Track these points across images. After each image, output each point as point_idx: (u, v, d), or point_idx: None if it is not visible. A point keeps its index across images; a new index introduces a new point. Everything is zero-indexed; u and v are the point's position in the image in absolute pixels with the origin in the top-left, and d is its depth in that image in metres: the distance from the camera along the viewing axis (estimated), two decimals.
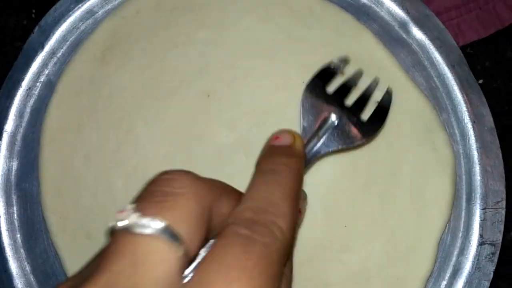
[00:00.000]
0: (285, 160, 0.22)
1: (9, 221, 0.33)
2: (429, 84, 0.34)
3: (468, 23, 0.39)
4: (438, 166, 0.32)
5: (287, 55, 0.33)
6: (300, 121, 0.28)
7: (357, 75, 0.31)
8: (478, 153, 0.33)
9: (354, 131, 0.28)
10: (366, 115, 0.29)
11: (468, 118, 0.33)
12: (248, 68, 0.33)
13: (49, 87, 0.34)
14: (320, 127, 0.28)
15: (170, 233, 0.16)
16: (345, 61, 0.31)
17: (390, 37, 0.34)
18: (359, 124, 0.29)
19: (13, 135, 0.34)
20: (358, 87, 0.31)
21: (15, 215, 0.33)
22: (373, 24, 0.35)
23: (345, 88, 0.30)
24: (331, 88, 0.30)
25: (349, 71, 0.31)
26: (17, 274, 0.33)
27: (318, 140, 0.28)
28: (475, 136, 0.33)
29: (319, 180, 0.32)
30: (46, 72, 0.35)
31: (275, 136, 0.24)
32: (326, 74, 0.30)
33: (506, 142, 0.34)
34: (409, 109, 0.32)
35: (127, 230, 0.16)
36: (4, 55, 0.38)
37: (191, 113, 0.33)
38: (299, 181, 0.21)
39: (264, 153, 0.23)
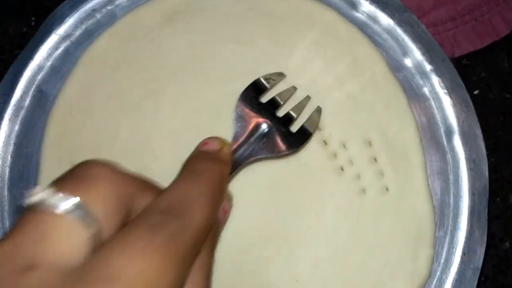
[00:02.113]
0: (209, 164, 0.23)
1: None
2: (443, 197, 0.33)
3: (464, 34, 0.39)
4: (408, 275, 0.31)
5: None
6: (233, 126, 0.29)
7: (290, 91, 0.32)
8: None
9: (282, 141, 0.30)
10: (295, 127, 0.31)
11: (461, 249, 0.32)
12: None
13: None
14: (251, 134, 0.29)
15: (82, 212, 0.16)
16: (280, 75, 0.33)
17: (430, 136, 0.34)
18: (287, 135, 0.30)
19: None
20: (290, 102, 0.32)
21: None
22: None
23: (277, 102, 0.31)
24: (265, 98, 0.31)
25: (282, 87, 0.32)
26: None
27: (249, 147, 0.29)
28: (459, 266, 0.32)
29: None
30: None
31: (204, 142, 0.25)
32: (260, 86, 0.31)
33: (500, 153, 0.34)
34: (413, 207, 0.32)
35: (36, 206, 0.16)
36: (3, 62, 0.38)
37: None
38: (221, 182, 0.22)
39: (192, 156, 0.24)
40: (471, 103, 0.34)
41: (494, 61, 0.39)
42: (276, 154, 0.30)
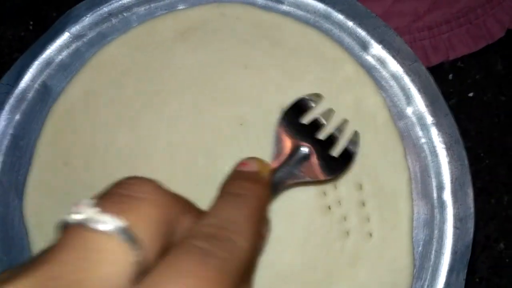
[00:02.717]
0: (250, 185, 0.21)
1: None
2: (425, 251, 0.33)
3: (459, 37, 0.39)
4: None
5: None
6: (272, 147, 0.28)
7: (329, 113, 0.32)
8: None
9: (324, 166, 0.28)
10: (336, 152, 0.30)
11: None
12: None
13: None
14: (290, 157, 0.28)
15: (128, 236, 0.15)
16: (319, 97, 0.32)
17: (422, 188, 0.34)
18: (328, 160, 0.29)
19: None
20: (329, 124, 0.31)
21: None
22: None
23: (317, 123, 0.30)
24: (306, 119, 0.30)
25: (321, 108, 0.32)
26: None
27: (288, 170, 0.28)
28: None
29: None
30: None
31: (243, 162, 0.24)
32: (300, 106, 0.30)
33: (495, 155, 0.34)
34: (393, 258, 0.32)
35: (81, 224, 0.15)
36: (2, 66, 0.39)
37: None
38: (262, 206, 0.21)
39: (230, 177, 0.23)
40: (466, 161, 0.34)
41: (489, 64, 0.40)
42: (317, 179, 0.28)
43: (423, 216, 0.33)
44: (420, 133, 0.34)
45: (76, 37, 0.35)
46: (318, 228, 0.33)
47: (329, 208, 0.33)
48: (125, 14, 0.35)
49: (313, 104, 0.31)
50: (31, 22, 0.39)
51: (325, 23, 0.35)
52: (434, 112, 0.35)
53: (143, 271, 0.16)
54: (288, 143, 0.28)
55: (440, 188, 0.34)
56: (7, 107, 0.34)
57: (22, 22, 0.40)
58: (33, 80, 0.35)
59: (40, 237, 0.33)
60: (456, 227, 0.33)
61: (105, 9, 0.35)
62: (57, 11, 0.39)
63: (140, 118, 0.34)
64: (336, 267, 0.32)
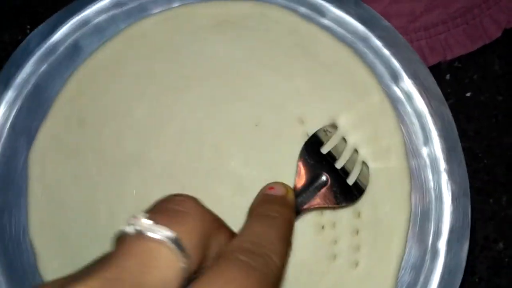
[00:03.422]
0: (278, 208, 0.23)
1: None
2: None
3: (456, 37, 0.39)
4: None
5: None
6: (295, 175, 0.30)
7: (344, 144, 0.33)
8: None
9: (341, 193, 0.31)
10: (351, 180, 0.31)
11: None
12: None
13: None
14: (311, 184, 0.30)
15: (178, 245, 0.17)
16: (333, 128, 0.33)
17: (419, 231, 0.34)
18: (345, 188, 0.31)
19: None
20: (343, 154, 0.32)
21: None
22: None
23: (334, 154, 0.32)
24: (325, 149, 0.32)
25: (336, 138, 0.33)
26: None
27: (308, 196, 0.30)
28: None
29: None
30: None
31: (270, 186, 0.26)
32: (319, 137, 0.32)
33: (493, 155, 0.34)
34: (375, 282, 0.32)
35: (139, 234, 0.17)
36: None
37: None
38: (290, 228, 0.23)
39: (258, 200, 0.25)
40: (469, 215, 0.33)
41: (486, 64, 0.39)
42: (334, 205, 0.30)
43: (413, 259, 0.33)
44: (430, 176, 0.34)
45: (116, 4, 0.35)
46: (307, 244, 0.32)
47: (323, 227, 0.33)
48: None
49: (328, 136, 0.33)
50: (28, 26, 0.40)
51: (361, 46, 0.35)
52: (449, 159, 0.34)
53: (187, 278, 0.18)
54: (309, 171, 0.30)
55: (437, 235, 0.33)
56: (36, 56, 0.35)
57: (19, 25, 0.40)
58: (67, 36, 0.35)
59: (38, 187, 0.33)
60: (443, 278, 0.32)
61: None
62: None
63: (161, 96, 0.34)
64: (315, 287, 0.32)
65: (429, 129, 0.34)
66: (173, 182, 0.33)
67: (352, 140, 0.33)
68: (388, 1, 0.40)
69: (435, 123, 0.34)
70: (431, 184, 0.34)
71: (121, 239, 0.18)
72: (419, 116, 0.35)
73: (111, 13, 0.35)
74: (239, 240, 0.20)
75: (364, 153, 0.33)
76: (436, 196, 0.34)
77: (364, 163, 0.33)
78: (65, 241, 0.33)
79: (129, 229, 0.17)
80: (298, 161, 0.31)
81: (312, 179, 0.30)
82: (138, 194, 0.33)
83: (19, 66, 0.35)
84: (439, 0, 0.40)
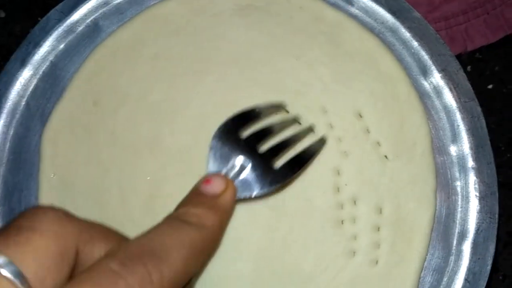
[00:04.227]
0: (202, 213, 0.21)
1: None
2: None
3: (476, 28, 0.38)
4: None
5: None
6: (207, 164, 0.27)
7: (286, 123, 0.30)
8: None
9: (264, 178, 0.27)
10: (278, 163, 0.28)
11: None
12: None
13: None
14: (227, 173, 0.26)
15: (13, 269, 0.16)
16: (277, 108, 0.30)
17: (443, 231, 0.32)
18: (270, 172, 0.27)
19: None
20: (282, 134, 0.29)
21: None
22: None
23: (265, 134, 0.29)
24: (245, 133, 0.28)
25: (278, 117, 0.30)
26: None
27: None
28: None
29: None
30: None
31: (207, 178, 0.23)
32: (247, 117, 0.29)
33: None
34: (395, 282, 0.30)
35: None
36: None
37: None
38: (209, 240, 0.21)
39: (187, 197, 0.22)
40: (496, 218, 0.32)
41: (508, 55, 0.38)
42: (256, 194, 0.27)
43: (436, 259, 0.31)
44: (457, 175, 0.32)
45: None
46: (324, 239, 0.31)
47: (342, 222, 0.31)
48: None
49: (262, 116, 0.29)
50: (39, 18, 0.39)
51: (389, 36, 0.34)
52: (477, 157, 0.32)
53: None
54: (224, 159, 0.27)
55: (462, 236, 0.32)
56: (54, 34, 0.34)
57: (30, 18, 0.40)
58: (87, 15, 0.34)
59: (50, 168, 0.32)
60: (467, 281, 0.31)
61: None
62: None
63: (179, 79, 0.33)
64: (332, 283, 0.30)
65: (458, 125, 0.33)
66: (187, 168, 0.32)
67: (375, 134, 0.32)
68: None
69: (464, 120, 0.33)
70: (458, 182, 0.32)
71: None
72: (447, 112, 0.33)
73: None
74: (122, 247, 0.18)
75: (387, 147, 0.32)
76: (462, 195, 0.32)
77: (321, 138, 0.30)
78: None
79: None
80: (209, 147, 0.27)
81: (229, 168, 0.26)
82: (152, 179, 0.32)
83: (36, 44, 0.34)
84: None
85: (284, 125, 0.30)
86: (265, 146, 0.28)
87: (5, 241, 0.17)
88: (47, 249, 0.17)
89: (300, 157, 0.29)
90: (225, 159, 0.27)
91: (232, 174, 0.26)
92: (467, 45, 0.38)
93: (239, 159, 0.27)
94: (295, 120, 0.31)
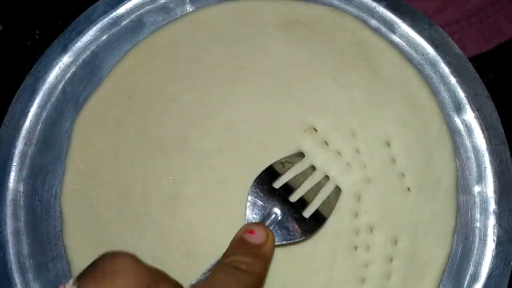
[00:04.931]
0: (250, 261, 0.23)
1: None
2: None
3: (470, 37, 0.38)
4: None
5: None
6: (245, 212, 0.29)
7: (306, 174, 0.31)
8: None
9: (295, 227, 0.29)
10: (308, 213, 0.30)
11: None
12: None
13: None
14: (263, 221, 0.29)
15: None
16: (297, 157, 0.32)
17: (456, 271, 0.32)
18: (301, 221, 0.30)
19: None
20: (307, 183, 0.31)
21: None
22: None
23: (291, 186, 0.31)
24: (278, 184, 0.30)
25: (300, 167, 0.32)
26: None
27: None
28: None
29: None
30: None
31: (249, 229, 0.25)
32: (274, 171, 0.31)
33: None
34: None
35: None
36: (8, 75, 0.39)
37: None
38: (257, 284, 0.23)
39: (233, 245, 0.24)
40: (511, 265, 0.31)
41: (502, 63, 0.38)
42: (289, 241, 0.29)
43: None
44: (477, 216, 0.32)
45: None
46: (336, 263, 0.31)
47: (356, 248, 0.31)
48: None
49: (286, 167, 0.31)
50: (37, 31, 0.40)
51: (428, 69, 0.34)
52: (500, 201, 0.32)
53: None
54: (261, 208, 0.29)
55: (474, 278, 0.32)
56: (99, 25, 0.35)
57: (28, 30, 0.40)
58: (132, 10, 0.35)
59: (78, 155, 0.33)
60: None
61: None
62: (64, 20, 0.39)
63: (213, 85, 0.33)
64: None
65: (485, 167, 0.33)
66: (211, 173, 0.32)
67: (401, 165, 0.32)
68: None
69: (493, 163, 0.33)
70: (477, 224, 0.32)
71: None
72: (476, 152, 0.33)
73: None
74: None
75: (412, 179, 0.32)
76: (480, 238, 0.32)
77: (336, 189, 0.31)
78: (93, 213, 0.33)
79: None
80: (248, 198, 0.30)
81: (265, 216, 0.29)
82: (174, 179, 0.33)
83: (79, 33, 0.35)
84: None
85: (305, 175, 0.32)
86: (295, 196, 0.30)
87: (94, 283, 0.19)
88: (131, 287, 0.19)
89: (322, 208, 0.31)
90: (261, 208, 0.29)
91: (268, 222, 0.29)
92: None
93: (273, 208, 0.29)
94: (312, 169, 0.32)
